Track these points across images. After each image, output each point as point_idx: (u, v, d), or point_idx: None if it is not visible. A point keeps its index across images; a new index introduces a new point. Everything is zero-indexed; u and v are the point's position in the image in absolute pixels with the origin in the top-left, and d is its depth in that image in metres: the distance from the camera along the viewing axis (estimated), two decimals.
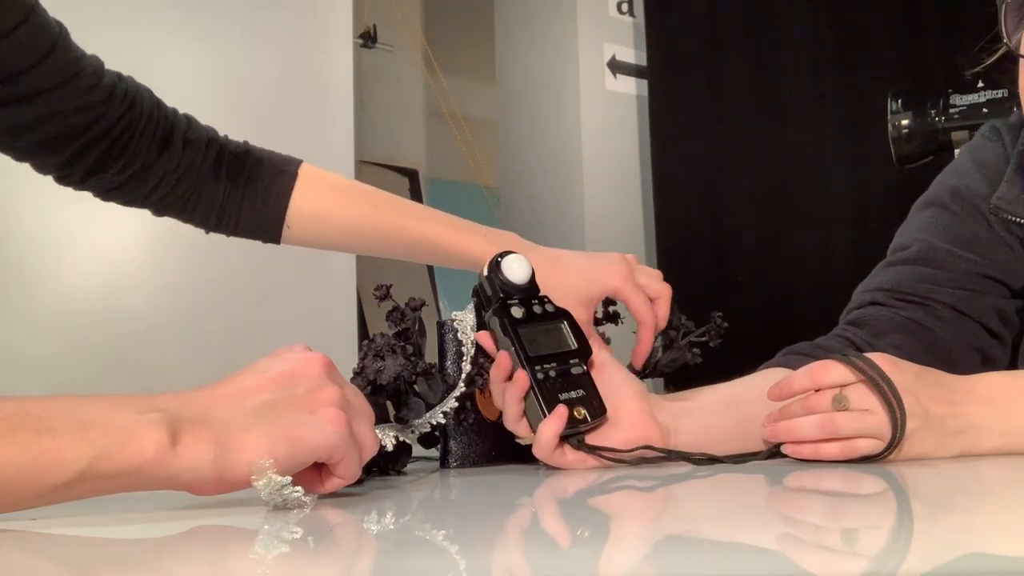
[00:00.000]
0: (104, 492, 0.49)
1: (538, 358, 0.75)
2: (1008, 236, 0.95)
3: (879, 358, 0.71)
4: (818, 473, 0.70)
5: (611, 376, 0.79)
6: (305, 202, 0.94)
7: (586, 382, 0.77)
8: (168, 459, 0.49)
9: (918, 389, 0.70)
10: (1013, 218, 0.92)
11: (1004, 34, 0.81)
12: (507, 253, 0.80)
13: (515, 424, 0.77)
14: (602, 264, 0.91)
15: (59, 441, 0.47)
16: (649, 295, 0.91)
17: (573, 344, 0.78)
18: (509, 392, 0.75)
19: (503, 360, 0.76)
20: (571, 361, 0.77)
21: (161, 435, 0.49)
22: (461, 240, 0.93)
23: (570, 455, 0.76)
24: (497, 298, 0.78)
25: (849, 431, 0.70)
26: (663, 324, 0.92)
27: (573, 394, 0.75)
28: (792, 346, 0.96)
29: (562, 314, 0.79)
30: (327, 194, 0.95)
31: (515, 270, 0.79)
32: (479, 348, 0.80)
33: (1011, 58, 0.83)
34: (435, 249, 0.94)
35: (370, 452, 0.58)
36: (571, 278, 0.89)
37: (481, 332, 0.79)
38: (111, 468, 0.48)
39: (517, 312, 0.77)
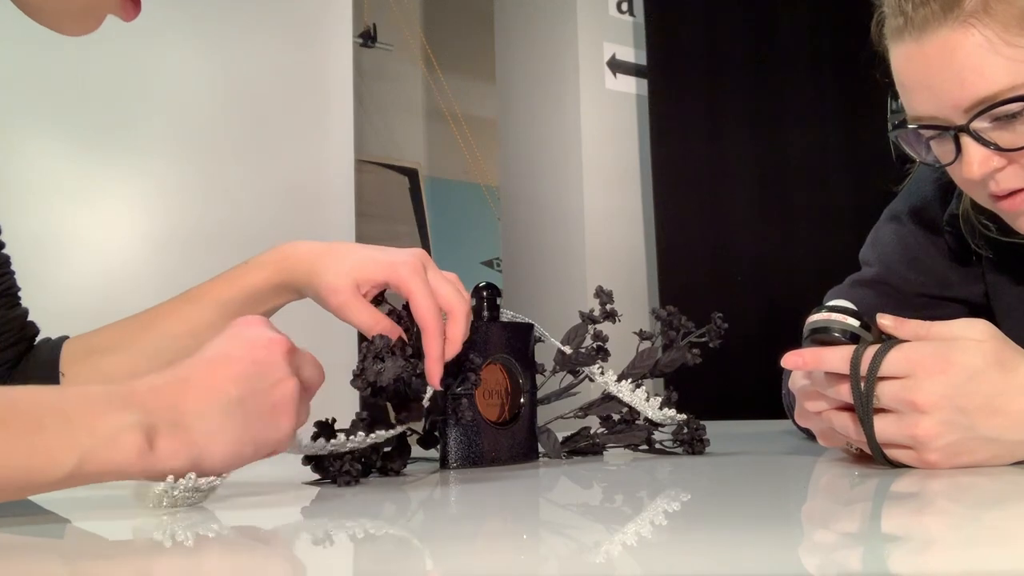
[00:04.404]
0: (85, 484, 0.52)
1: None
2: (961, 250, 0.97)
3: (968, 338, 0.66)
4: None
5: None
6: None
7: None
8: (148, 462, 0.53)
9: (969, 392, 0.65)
10: (965, 230, 0.93)
11: (917, 158, 0.82)
12: (823, 306, 0.73)
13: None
14: (390, 253, 0.79)
15: (49, 441, 0.50)
16: (441, 304, 0.75)
17: None
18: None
19: None
20: None
21: (140, 440, 0.52)
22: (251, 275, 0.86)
23: None
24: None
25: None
26: (456, 346, 0.75)
27: None
28: None
29: None
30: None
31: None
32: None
33: None
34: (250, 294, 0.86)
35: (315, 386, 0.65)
36: (354, 255, 0.79)
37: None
38: (96, 469, 0.51)
39: None
